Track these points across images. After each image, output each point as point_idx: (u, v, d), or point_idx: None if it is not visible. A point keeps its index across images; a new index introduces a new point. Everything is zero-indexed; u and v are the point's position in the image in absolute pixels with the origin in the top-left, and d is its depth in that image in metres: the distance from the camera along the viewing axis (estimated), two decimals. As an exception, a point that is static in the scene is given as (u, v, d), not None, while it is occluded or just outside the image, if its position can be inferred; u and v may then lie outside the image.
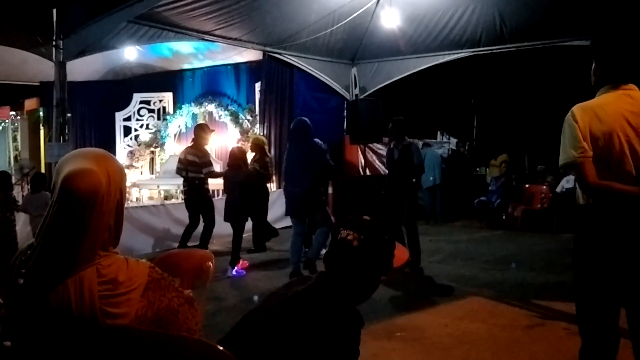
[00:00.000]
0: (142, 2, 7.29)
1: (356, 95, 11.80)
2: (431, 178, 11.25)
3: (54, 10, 7.62)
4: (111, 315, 1.58)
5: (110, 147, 12.24)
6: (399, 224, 7.06)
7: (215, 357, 1.63)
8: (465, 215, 11.63)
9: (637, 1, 7.40)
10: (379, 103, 11.12)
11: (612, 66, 2.78)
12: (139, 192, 11.98)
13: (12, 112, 14.31)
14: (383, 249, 1.97)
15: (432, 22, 9.77)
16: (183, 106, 12.32)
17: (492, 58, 10.42)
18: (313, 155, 6.54)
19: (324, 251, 5.03)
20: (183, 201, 7.94)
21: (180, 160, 7.58)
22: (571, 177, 9.77)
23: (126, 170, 11.98)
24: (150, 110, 12.82)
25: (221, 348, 1.66)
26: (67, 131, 8.12)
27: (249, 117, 11.48)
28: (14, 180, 8.55)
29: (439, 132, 15.34)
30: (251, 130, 11.27)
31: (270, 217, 8.80)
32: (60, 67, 7.75)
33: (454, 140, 14.74)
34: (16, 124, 14.89)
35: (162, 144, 12.36)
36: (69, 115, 8.28)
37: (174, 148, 12.20)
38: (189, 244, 7.50)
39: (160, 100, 12.82)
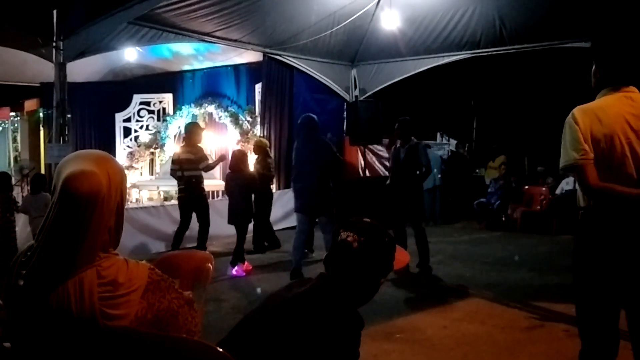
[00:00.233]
0: (142, 4, 7.28)
1: (356, 96, 11.81)
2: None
3: (54, 11, 7.62)
4: (111, 316, 1.58)
5: (110, 148, 12.24)
6: (402, 224, 7.08)
7: (215, 358, 1.63)
8: (465, 217, 11.63)
9: (637, 3, 7.40)
10: (378, 104, 11.13)
11: (612, 68, 2.78)
12: (139, 193, 11.98)
13: (12, 113, 14.30)
14: (383, 251, 1.98)
15: (431, 23, 9.78)
16: (183, 107, 12.32)
17: (491, 60, 10.43)
18: (321, 150, 6.60)
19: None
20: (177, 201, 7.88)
21: (174, 161, 7.58)
22: (571, 179, 9.77)
23: (126, 172, 11.99)
24: (150, 112, 12.82)
25: (221, 350, 1.66)
26: (67, 132, 8.11)
27: (249, 119, 11.49)
28: (13, 181, 8.53)
29: (438, 134, 15.33)
30: (251, 132, 11.28)
31: (271, 217, 8.79)
32: (60, 68, 7.75)
33: (453, 142, 14.73)
34: (16, 125, 14.89)
35: (162, 145, 12.36)
36: (69, 116, 8.27)
37: (174, 149, 12.18)
38: (188, 246, 7.50)
39: (160, 102, 12.83)
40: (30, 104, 13.40)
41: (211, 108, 11.94)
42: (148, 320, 1.64)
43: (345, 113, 11.90)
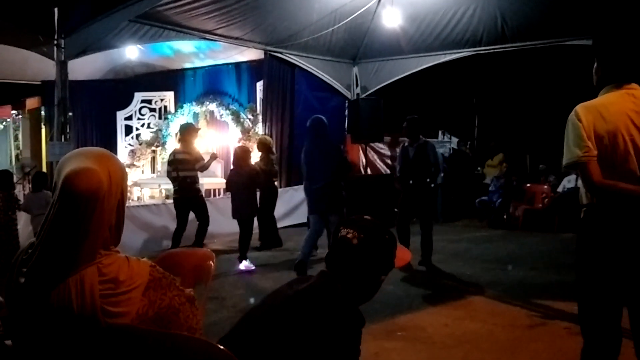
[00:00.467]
0: (143, 1, 7.28)
1: (357, 94, 11.80)
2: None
3: (56, 9, 7.62)
4: (112, 314, 1.58)
5: (112, 146, 12.24)
6: (407, 222, 7.11)
7: (216, 356, 1.63)
8: (467, 215, 11.63)
9: (638, 0, 7.39)
10: (380, 102, 11.13)
11: (614, 65, 2.78)
12: (140, 191, 11.99)
13: (14, 111, 14.31)
14: (383, 248, 1.97)
15: (433, 21, 9.77)
16: (184, 105, 12.31)
17: (493, 57, 10.42)
18: (331, 151, 6.66)
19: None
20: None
21: (169, 162, 7.60)
22: (572, 177, 9.77)
23: (127, 170, 11.94)
24: (152, 110, 12.82)
25: (222, 347, 1.66)
26: (68, 130, 8.11)
27: (250, 117, 11.48)
28: (15, 179, 8.54)
29: (440, 132, 15.33)
30: (252, 130, 11.27)
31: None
32: (62, 66, 7.75)
33: (455, 140, 14.72)
34: (17, 123, 14.89)
35: (164, 143, 12.36)
36: (70, 114, 8.28)
37: (175, 147, 12.20)
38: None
39: (162, 100, 12.82)
40: (31, 102, 13.40)
41: (212, 106, 11.93)
42: (149, 318, 1.64)
43: (346, 111, 11.88)
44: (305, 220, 8.78)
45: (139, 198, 11.84)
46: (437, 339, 4.60)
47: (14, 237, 6.90)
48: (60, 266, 1.58)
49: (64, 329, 1.58)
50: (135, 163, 12.37)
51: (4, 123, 15.04)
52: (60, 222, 1.57)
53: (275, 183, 9.07)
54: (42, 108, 12.81)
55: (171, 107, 12.71)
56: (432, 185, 7.18)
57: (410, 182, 7.12)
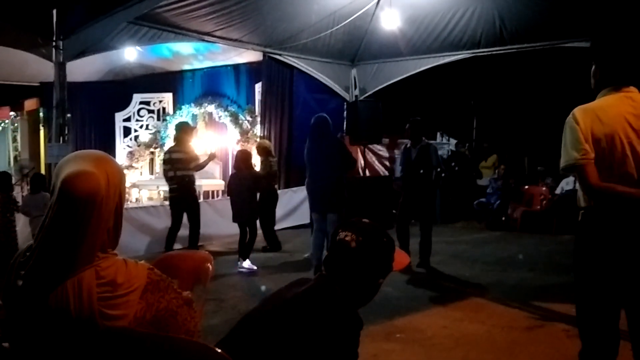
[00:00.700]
0: (142, 3, 7.28)
1: (356, 96, 11.80)
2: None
3: (54, 11, 7.61)
4: (110, 317, 1.58)
5: (110, 147, 12.24)
6: (406, 223, 7.12)
7: (214, 359, 1.63)
8: (465, 217, 11.63)
9: (637, 3, 7.39)
10: (378, 104, 11.14)
11: (612, 68, 2.78)
12: (139, 192, 11.99)
13: (12, 113, 14.30)
14: (381, 251, 1.98)
15: (432, 23, 9.77)
16: (183, 107, 12.32)
17: (492, 59, 10.42)
18: (335, 149, 6.68)
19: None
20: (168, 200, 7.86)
21: (165, 162, 7.60)
22: (571, 179, 9.78)
23: (126, 171, 11.96)
24: (150, 111, 12.83)
25: (219, 350, 1.65)
26: (67, 132, 8.10)
27: (248, 118, 11.48)
28: (13, 180, 8.53)
29: (438, 133, 15.33)
30: (251, 131, 11.28)
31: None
32: (60, 68, 7.74)
33: (453, 142, 14.73)
34: (16, 125, 14.87)
35: (162, 145, 12.34)
36: (68, 115, 8.26)
37: (171, 146, 12.19)
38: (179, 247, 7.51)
39: (160, 101, 12.83)
40: (30, 104, 13.39)
41: (211, 108, 11.93)
42: (147, 321, 1.64)
43: (345, 113, 11.88)
44: (304, 222, 8.78)
45: (137, 200, 11.84)
46: (435, 340, 4.60)
47: (12, 238, 6.89)
48: (58, 269, 1.57)
49: (61, 332, 1.58)
50: (133, 164, 12.37)
51: (2, 124, 15.02)
52: (58, 225, 1.57)
53: (275, 186, 9.05)
54: (41, 109, 12.79)
55: (170, 109, 12.71)
56: (434, 187, 7.20)
57: (412, 183, 7.14)
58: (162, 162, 7.85)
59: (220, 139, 12.10)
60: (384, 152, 13.23)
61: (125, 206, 1.80)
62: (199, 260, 2.72)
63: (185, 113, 12.20)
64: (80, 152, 1.74)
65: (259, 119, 11.17)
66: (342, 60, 11.57)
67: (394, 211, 10.23)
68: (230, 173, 11.13)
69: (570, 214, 3.58)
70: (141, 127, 12.81)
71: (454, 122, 14.97)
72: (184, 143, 7.55)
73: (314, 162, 6.72)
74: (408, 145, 7.36)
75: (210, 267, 2.66)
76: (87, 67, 10.70)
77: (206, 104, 12.00)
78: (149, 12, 7.62)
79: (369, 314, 4.62)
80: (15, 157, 15.02)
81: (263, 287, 6.33)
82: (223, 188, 11.58)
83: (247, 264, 7.28)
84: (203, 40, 9.35)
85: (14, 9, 7.56)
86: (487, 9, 9.04)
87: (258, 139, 10.50)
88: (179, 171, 7.35)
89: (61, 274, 1.57)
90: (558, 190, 10.41)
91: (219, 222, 8.95)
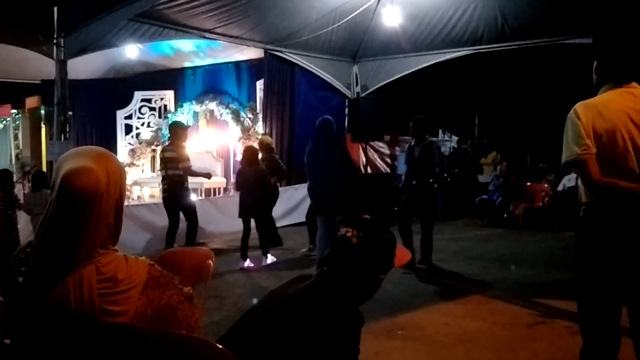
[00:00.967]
0: (143, 0, 7.27)
1: (357, 93, 11.80)
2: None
3: (55, 8, 7.61)
4: (110, 313, 1.58)
5: (112, 145, 12.24)
6: (409, 221, 7.12)
7: (215, 355, 1.62)
8: (467, 214, 11.62)
9: (638, 0, 7.38)
10: (380, 101, 11.13)
11: (614, 64, 2.78)
12: (140, 190, 11.99)
13: (14, 110, 14.31)
14: (382, 247, 1.97)
15: (433, 20, 9.76)
16: (184, 104, 12.32)
17: (493, 56, 10.41)
18: (339, 155, 6.65)
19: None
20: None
21: (160, 160, 7.59)
22: (573, 176, 9.76)
23: (127, 169, 11.95)
24: (152, 109, 12.82)
25: (220, 346, 1.65)
26: (68, 129, 8.10)
27: (250, 115, 11.48)
28: (15, 178, 8.53)
29: (440, 130, 15.33)
30: (252, 129, 11.27)
31: (273, 213, 8.79)
32: (62, 65, 7.74)
33: (455, 138, 14.72)
34: (17, 122, 14.89)
35: (164, 142, 12.35)
36: (70, 113, 8.27)
37: (165, 144, 12.20)
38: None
39: (162, 99, 12.82)
40: (31, 101, 13.41)
41: (212, 105, 11.93)
42: (148, 317, 1.64)
43: (346, 110, 11.88)
44: (304, 220, 8.76)
45: (138, 197, 11.85)
46: (437, 337, 4.60)
47: (14, 236, 6.89)
48: (59, 265, 1.57)
49: (62, 328, 1.58)
50: (135, 162, 12.37)
51: (3, 122, 15.04)
52: (58, 221, 1.57)
53: (277, 183, 9.04)
54: (42, 107, 12.81)
55: (171, 106, 12.71)
56: (436, 185, 7.20)
57: (414, 182, 7.14)
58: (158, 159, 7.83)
59: (222, 137, 12.11)
60: (385, 149, 13.23)
61: (126, 203, 1.80)
62: (200, 257, 2.71)
63: (187, 110, 12.21)
64: (80, 148, 1.74)
65: (260, 116, 11.17)
66: (343, 57, 11.56)
67: (395, 208, 10.26)
68: (231, 170, 11.22)
69: (573, 211, 3.57)
70: (142, 124, 12.82)
71: (456, 119, 14.96)
72: (176, 143, 7.52)
73: (317, 166, 6.68)
74: (412, 143, 7.37)
75: (212, 263, 2.65)
76: (89, 65, 10.70)
77: (207, 102, 12.00)
78: (150, 9, 7.62)
79: (370, 311, 4.63)
80: (16, 155, 15.04)
81: (264, 284, 6.33)
82: (224, 185, 11.59)
83: (247, 263, 7.29)
84: (204, 37, 9.35)
85: (15, 6, 7.56)
86: (489, 5, 9.03)
87: (260, 136, 10.49)
88: (170, 170, 7.32)
89: (62, 270, 1.57)
90: (560, 187, 10.40)
91: (220, 220, 8.95)
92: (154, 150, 12.58)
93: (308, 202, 7.77)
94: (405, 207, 7.25)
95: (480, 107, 15.13)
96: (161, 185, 7.65)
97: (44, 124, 12.72)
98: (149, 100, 12.83)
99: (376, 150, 13.02)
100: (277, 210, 9.00)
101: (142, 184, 11.97)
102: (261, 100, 11.22)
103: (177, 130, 7.63)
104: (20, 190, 9.71)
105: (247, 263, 7.32)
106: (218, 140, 12.25)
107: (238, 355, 1.66)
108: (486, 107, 14.88)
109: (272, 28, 9.70)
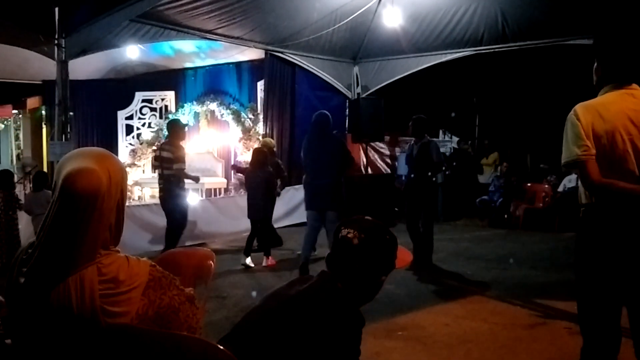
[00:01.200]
0: (144, 1, 7.27)
1: (358, 94, 11.80)
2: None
3: (56, 9, 7.61)
4: (112, 314, 1.58)
5: (112, 145, 12.25)
6: (415, 221, 7.13)
7: (216, 356, 1.63)
8: (467, 214, 11.62)
9: (639, 1, 7.38)
10: (380, 102, 11.14)
11: (614, 66, 2.78)
12: (141, 190, 11.99)
13: (15, 111, 14.32)
14: (384, 248, 1.97)
15: (434, 20, 9.76)
16: (185, 105, 12.33)
17: (494, 57, 10.41)
18: (336, 148, 6.65)
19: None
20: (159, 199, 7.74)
21: (155, 157, 7.57)
22: (573, 177, 9.76)
23: (128, 169, 11.95)
24: (153, 109, 12.83)
25: (222, 347, 1.66)
26: (69, 130, 8.10)
27: (251, 116, 11.48)
28: (16, 178, 8.54)
29: (441, 131, 15.33)
30: (253, 129, 11.28)
31: (273, 214, 8.80)
32: (62, 66, 7.74)
33: (455, 139, 14.72)
34: (18, 123, 14.91)
35: (164, 142, 12.36)
36: (71, 113, 8.26)
37: (162, 142, 12.19)
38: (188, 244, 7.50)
39: (162, 99, 12.83)
40: (32, 102, 13.41)
41: (213, 105, 11.94)
42: (149, 318, 1.64)
43: (347, 110, 11.88)
44: (305, 220, 8.76)
45: (139, 197, 11.84)
46: (437, 338, 4.61)
47: (14, 236, 6.90)
48: (60, 266, 1.58)
49: (63, 329, 1.58)
50: (136, 162, 12.37)
51: (5, 122, 15.06)
52: (59, 222, 1.57)
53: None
54: (43, 107, 12.82)
55: (172, 107, 12.71)
56: (434, 179, 7.19)
57: (412, 175, 7.17)
58: (153, 157, 7.77)
59: (222, 137, 12.11)
60: (385, 150, 13.23)
61: (127, 204, 1.80)
62: (201, 258, 2.72)
63: (188, 111, 12.21)
64: (82, 149, 1.74)
65: (261, 116, 11.17)
66: (344, 58, 11.57)
67: (396, 209, 10.27)
68: (232, 171, 11.20)
69: (573, 212, 3.57)
70: (143, 125, 12.82)
71: (457, 119, 14.97)
72: (174, 142, 7.46)
73: (313, 160, 6.69)
74: (412, 143, 7.41)
75: (212, 264, 2.66)
76: (90, 65, 10.71)
77: (208, 102, 12.01)
78: (151, 10, 7.62)
79: (371, 312, 4.63)
80: (17, 155, 15.06)
81: (265, 285, 6.34)
82: (225, 186, 11.59)
83: (248, 260, 7.37)
84: (205, 38, 9.35)
85: (16, 7, 7.57)
86: (490, 6, 9.03)
87: (260, 137, 10.49)
88: (166, 170, 7.27)
89: (63, 271, 1.58)
90: (560, 188, 10.39)
91: (221, 220, 8.96)
92: (154, 151, 12.56)
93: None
94: (410, 210, 7.25)
95: (480, 107, 15.13)
96: (158, 185, 7.60)
97: (45, 124, 12.73)
98: (150, 101, 12.83)
99: (377, 151, 13.01)
100: (277, 211, 9.00)
101: (143, 184, 11.97)
102: (262, 101, 11.22)
103: (176, 129, 7.60)
104: (21, 191, 9.73)
105: (249, 261, 7.36)
106: (219, 141, 12.25)
107: (239, 356, 1.67)
108: (487, 108, 14.88)
109: (272, 29, 9.70)
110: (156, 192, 11.62)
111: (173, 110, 12.59)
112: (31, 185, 8.52)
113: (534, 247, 8.58)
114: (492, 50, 9.97)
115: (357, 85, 11.89)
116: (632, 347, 2.74)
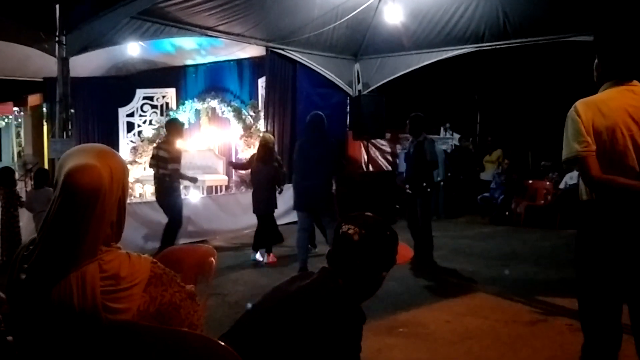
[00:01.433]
0: (144, -2, 7.29)
1: (359, 91, 11.80)
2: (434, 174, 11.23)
3: (57, 6, 7.61)
4: (113, 310, 1.58)
5: (114, 142, 12.26)
6: (416, 217, 7.13)
7: (217, 352, 1.63)
8: (469, 211, 11.63)
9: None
10: (382, 99, 11.13)
11: (614, 62, 2.77)
12: (142, 187, 12.00)
13: (16, 108, 14.31)
14: (384, 245, 1.97)
15: (435, 17, 9.75)
16: (186, 102, 12.34)
17: (495, 54, 10.40)
18: (327, 150, 6.62)
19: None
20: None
21: (152, 156, 7.57)
22: (574, 174, 9.74)
23: (129, 166, 11.96)
24: (154, 106, 12.84)
25: (223, 343, 1.66)
26: (70, 127, 8.11)
27: (252, 113, 11.49)
28: (17, 176, 8.54)
29: (442, 128, 15.31)
30: (254, 127, 11.27)
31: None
32: (63, 63, 7.74)
33: (457, 136, 14.69)
34: (19, 120, 14.90)
35: (165, 140, 12.36)
36: (72, 111, 8.27)
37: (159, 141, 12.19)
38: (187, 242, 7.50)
39: (164, 96, 12.84)
40: (33, 99, 13.41)
41: (214, 103, 11.94)
42: (150, 314, 1.65)
43: (348, 107, 11.88)
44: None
45: (140, 195, 11.85)
46: (439, 335, 4.61)
47: (16, 234, 6.91)
48: (61, 262, 1.58)
49: (65, 326, 1.59)
50: (137, 160, 12.38)
51: (6, 120, 15.05)
52: (61, 219, 1.58)
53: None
54: (44, 105, 12.82)
55: (173, 104, 12.72)
56: (425, 183, 7.13)
57: (410, 173, 7.23)
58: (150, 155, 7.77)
59: (224, 134, 12.11)
60: (386, 147, 13.23)
61: (128, 201, 1.81)
62: (202, 255, 2.72)
63: (189, 108, 12.22)
64: (83, 145, 1.74)
65: (262, 114, 11.17)
66: (345, 55, 11.56)
67: (397, 206, 10.27)
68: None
69: (574, 209, 3.58)
70: (144, 122, 12.83)
71: (458, 116, 14.94)
72: (171, 141, 7.45)
73: (304, 159, 6.63)
74: (410, 141, 7.43)
75: (214, 261, 2.66)
76: (90, 63, 10.71)
77: (209, 99, 12.01)
78: (151, 7, 7.63)
79: (372, 308, 4.63)
80: (18, 153, 15.05)
81: (265, 282, 6.33)
82: (226, 183, 11.59)
83: (258, 255, 7.45)
84: (206, 35, 9.35)
85: (16, 4, 7.56)
86: (491, 3, 9.02)
87: (261, 134, 10.48)
88: (161, 169, 7.27)
89: (64, 267, 1.58)
90: (562, 185, 10.39)
91: (222, 217, 8.96)
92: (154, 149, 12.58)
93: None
94: (411, 206, 7.26)
95: (482, 104, 15.11)
96: (154, 184, 7.60)
97: (46, 121, 12.73)
98: (151, 98, 12.84)
99: (378, 148, 13.01)
100: (278, 208, 8.99)
101: (144, 181, 11.96)
102: (263, 98, 11.23)
103: (174, 128, 7.58)
104: (23, 188, 9.72)
105: (258, 255, 7.43)
106: (220, 138, 12.25)
107: (240, 352, 1.67)
108: (488, 105, 14.86)
109: (273, 26, 9.70)
110: (157, 189, 11.70)
111: (174, 107, 12.59)
112: (32, 182, 8.51)
113: (535, 244, 8.57)
114: (493, 47, 9.97)
115: (358, 82, 11.89)
116: (633, 344, 2.74)
